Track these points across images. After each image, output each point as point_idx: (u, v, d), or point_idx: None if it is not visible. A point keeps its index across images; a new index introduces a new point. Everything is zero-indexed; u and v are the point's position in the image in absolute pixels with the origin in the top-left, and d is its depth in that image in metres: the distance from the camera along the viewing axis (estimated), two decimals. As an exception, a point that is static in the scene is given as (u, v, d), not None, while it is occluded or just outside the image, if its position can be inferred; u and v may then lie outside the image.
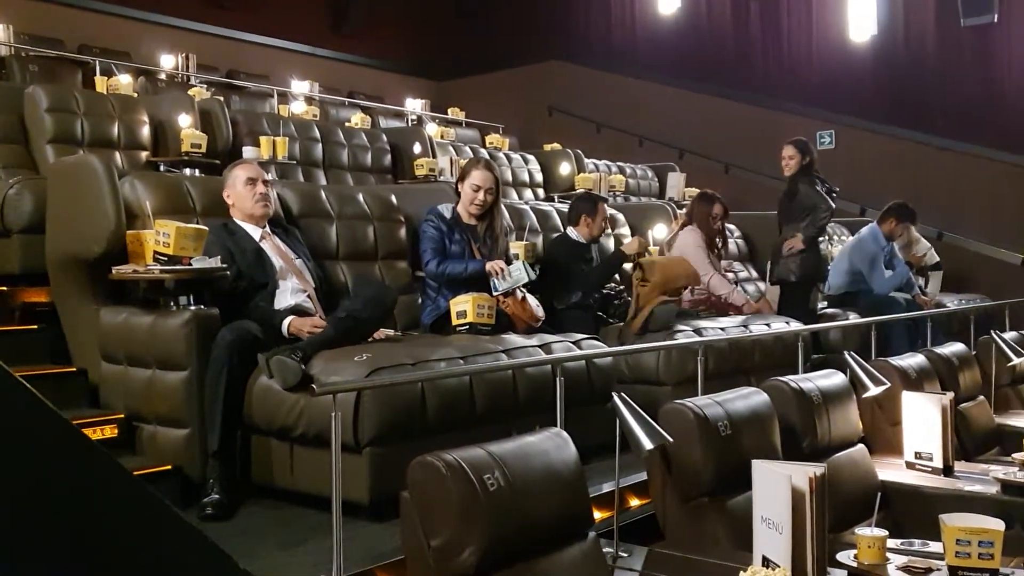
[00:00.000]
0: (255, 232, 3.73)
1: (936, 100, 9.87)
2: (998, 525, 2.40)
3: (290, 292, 3.66)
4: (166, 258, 3.31)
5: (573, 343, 3.91)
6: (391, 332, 3.85)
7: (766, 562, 2.27)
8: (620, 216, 6.39)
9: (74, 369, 3.83)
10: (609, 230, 5.86)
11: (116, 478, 0.98)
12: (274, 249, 3.72)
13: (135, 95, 7.00)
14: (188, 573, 0.92)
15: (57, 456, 0.93)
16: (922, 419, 3.74)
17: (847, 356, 3.92)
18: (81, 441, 0.96)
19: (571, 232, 5.30)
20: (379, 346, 3.42)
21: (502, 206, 4.53)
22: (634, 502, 3.44)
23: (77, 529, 0.91)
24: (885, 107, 10.00)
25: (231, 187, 3.79)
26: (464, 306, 3.85)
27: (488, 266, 4.14)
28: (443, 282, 4.20)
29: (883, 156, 9.78)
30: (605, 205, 5.47)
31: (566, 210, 5.54)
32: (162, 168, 5.81)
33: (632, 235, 6.28)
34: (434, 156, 7.61)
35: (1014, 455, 3.76)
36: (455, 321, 3.87)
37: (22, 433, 1.02)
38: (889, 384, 3.84)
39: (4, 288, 4.26)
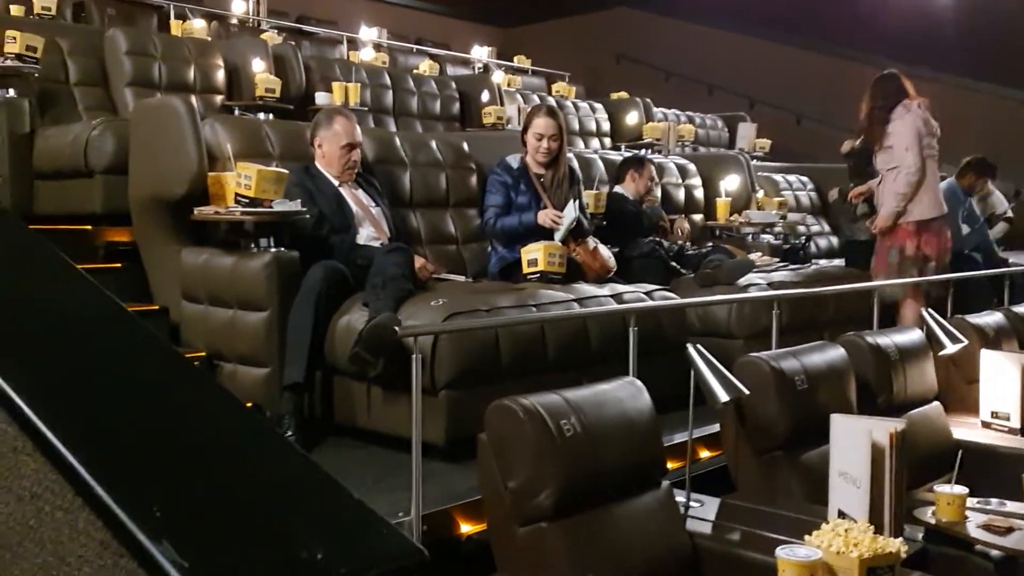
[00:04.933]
0: (334, 180, 3.78)
1: (1018, 50, 9.49)
2: (1085, 486, 2.36)
3: (364, 240, 3.70)
4: (247, 200, 3.37)
5: (645, 294, 3.90)
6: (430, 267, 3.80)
7: (842, 516, 2.26)
8: (691, 166, 6.32)
9: (156, 308, 3.93)
10: (658, 184, 5.84)
11: (237, 411, 1.03)
12: (352, 196, 3.76)
13: (209, 39, 7.07)
14: (306, 500, 0.95)
15: (185, 391, 0.97)
16: (1000, 378, 3.67)
17: (924, 313, 3.86)
18: (205, 379, 1.01)
19: (618, 188, 5.34)
20: (454, 292, 3.46)
21: (569, 153, 4.50)
22: (704, 453, 3.45)
23: (205, 457, 0.95)
24: (964, 58, 9.66)
25: (328, 141, 3.76)
26: (535, 254, 3.86)
27: (541, 219, 4.10)
28: (499, 238, 4.20)
29: (961, 109, 9.44)
30: (652, 166, 5.54)
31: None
32: (236, 112, 5.88)
33: (702, 185, 6.27)
34: (502, 104, 7.57)
35: (1095, 417, 3.67)
36: (526, 269, 3.87)
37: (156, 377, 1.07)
38: (967, 342, 3.77)
39: (88, 227, 4.38)
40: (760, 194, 6.53)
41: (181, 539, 0.82)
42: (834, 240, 7.30)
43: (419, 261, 3.67)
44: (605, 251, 4.26)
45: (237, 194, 3.39)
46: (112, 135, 4.37)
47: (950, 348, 3.72)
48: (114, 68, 5.51)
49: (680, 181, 6.19)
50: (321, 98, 6.00)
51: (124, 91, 5.46)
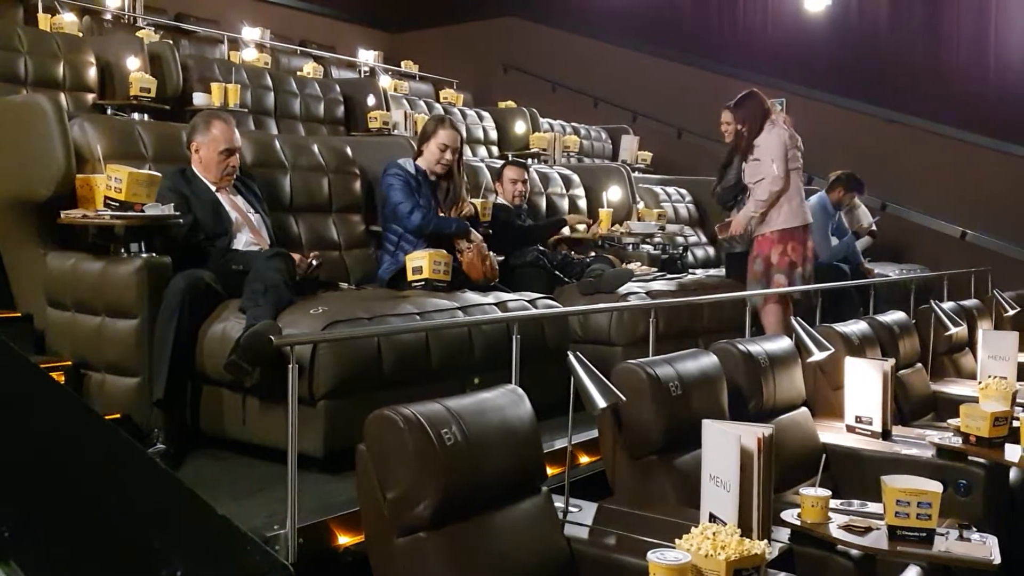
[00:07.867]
0: (212, 185, 3.67)
1: (886, 72, 10.01)
2: (936, 487, 2.49)
3: (243, 246, 3.61)
4: (117, 203, 3.24)
5: (528, 302, 3.94)
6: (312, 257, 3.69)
7: (713, 519, 2.33)
8: (575, 177, 6.42)
9: (19, 314, 3.75)
10: (541, 190, 5.93)
11: (98, 427, 0.98)
12: (230, 202, 3.67)
13: (80, 35, 6.78)
14: (168, 517, 0.92)
15: (41, 404, 0.92)
16: (863, 384, 3.84)
17: (794, 322, 4.02)
18: (62, 391, 0.96)
19: (498, 198, 5.40)
20: (335, 300, 3.41)
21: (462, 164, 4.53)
22: (584, 459, 3.50)
23: (62, 474, 0.91)
24: (836, 77, 10.10)
25: (205, 146, 3.66)
26: (420, 262, 3.84)
27: (474, 236, 4.17)
28: (426, 236, 4.13)
29: (832, 126, 9.89)
30: (514, 168, 5.54)
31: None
32: (109, 111, 5.67)
33: (585, 196, 6.37)
34: (388, 109, 7.53)
35: (949, 421, 3.89)
36: (410, 276, 3.85)
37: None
38: (833, 350, 3.94)
39: (-57, 229, 4.14)
40: (641, 205, 6.69)
41: (31, 559, 0.78)
42: (711, 251, 7.55)
43: (297, 257, 3.58)
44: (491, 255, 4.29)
45: (107, 197, 3.26)
46: (-29, 132, 4.14)
47: (817, 355, 3.87)
48: (-26, 61, 5.24)
49: (564, 191, 6.28)
50: (199, 99, 5.84)
51: (-14, 86, 5.20)
